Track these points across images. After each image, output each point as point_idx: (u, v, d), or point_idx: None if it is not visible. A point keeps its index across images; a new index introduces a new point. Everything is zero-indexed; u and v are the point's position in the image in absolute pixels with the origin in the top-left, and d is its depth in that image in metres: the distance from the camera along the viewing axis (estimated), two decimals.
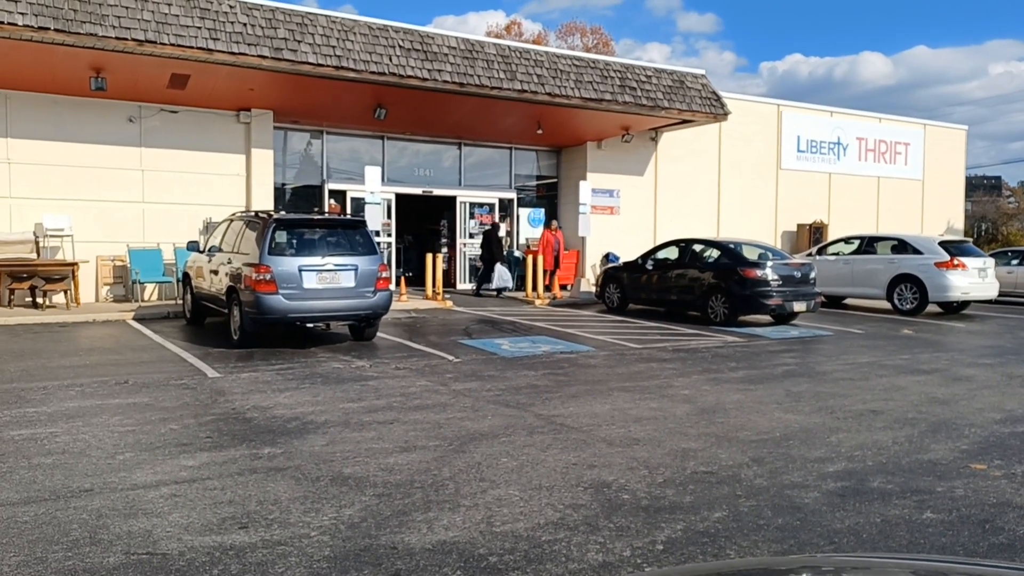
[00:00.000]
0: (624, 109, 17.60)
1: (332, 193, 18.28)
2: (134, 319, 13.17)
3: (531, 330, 12.73)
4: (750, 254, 14.26)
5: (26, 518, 4.25)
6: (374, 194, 15.72)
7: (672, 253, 15.29)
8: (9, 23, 11.26)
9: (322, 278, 10.28)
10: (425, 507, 4.48)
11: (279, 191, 17.48)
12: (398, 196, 19.14)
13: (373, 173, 15.69)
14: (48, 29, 11.55)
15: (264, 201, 16.45)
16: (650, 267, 15.24)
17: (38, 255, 14.10)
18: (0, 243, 13.74)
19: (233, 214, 12.35)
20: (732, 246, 14.38)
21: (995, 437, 6.19)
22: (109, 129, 15.14)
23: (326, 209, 17.60)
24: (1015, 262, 20.79)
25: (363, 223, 11.22)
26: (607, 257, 20.43)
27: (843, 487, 4.89)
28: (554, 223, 19.53)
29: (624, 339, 11.83)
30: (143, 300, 15.08)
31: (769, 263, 13.68)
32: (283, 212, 12.71)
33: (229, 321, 10.75)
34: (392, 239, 19.20)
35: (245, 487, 4.80)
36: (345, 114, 17.33)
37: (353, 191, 18.25)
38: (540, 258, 17.82)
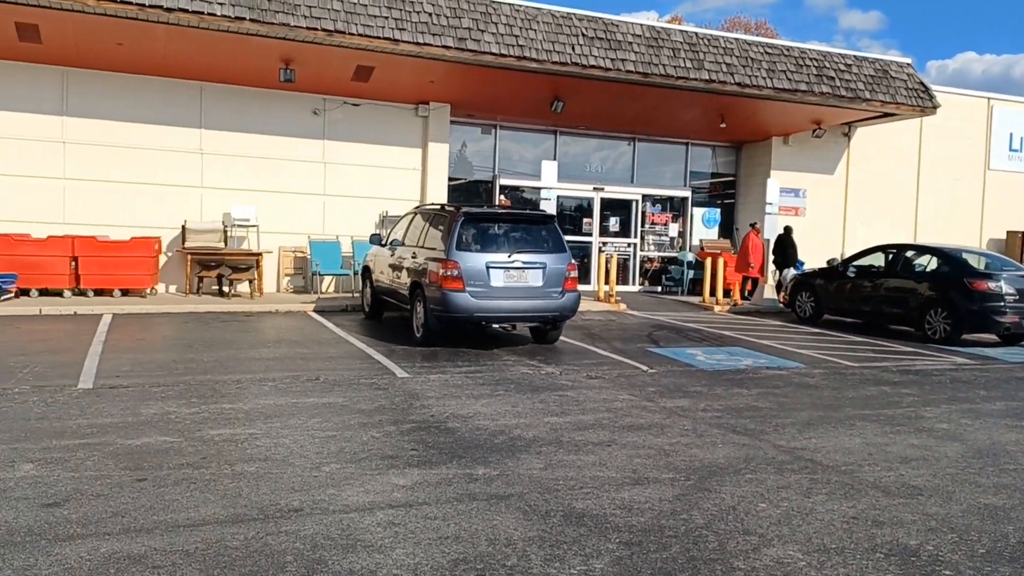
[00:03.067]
0: (820, 101, 16.10)
1: (503, 189, 17.84)
2: (314, 311, 13.14)
3: (721, 339, 11.65)
4: (976, 263, 12.53)
5: (235, 542, 3.77)
6: (550, 190, 15.10)
7: (878, 260, 13.70)
8: (208, 13, 11.41)
9: (509, 276, 9.68)
10: (691, 567, 3.65)
11: (448, 186, 17.17)
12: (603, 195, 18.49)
13: (550, 168, 15.08)
14: (243, 19, 11.62)
15: (438, 195, 16.18)
16: (852, 275, 13.73)
17: (226, 244, 14.39)
18: (193, 232, 14.13)
19: (417, 207, 12.01)
20: (955, 254, 12.68)
21: None
22: (294, 121, 15.28)
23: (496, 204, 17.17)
24: None
25: (552, 218, 10.54)
26: None
27: None
28: (757, 224, 17.86)
29: (832, 355, 10.54)
30: (321, 292, 15.14)
31: (1003, 274, 11.92)
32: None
33: (411, 317, 10.36)
34: (594, 239, 18.73)
35: (468, 518, 4.16)
36: (521, 107, 16.80)
37: (525, 187, 17.78)
38: (720, 261, 16.59)
